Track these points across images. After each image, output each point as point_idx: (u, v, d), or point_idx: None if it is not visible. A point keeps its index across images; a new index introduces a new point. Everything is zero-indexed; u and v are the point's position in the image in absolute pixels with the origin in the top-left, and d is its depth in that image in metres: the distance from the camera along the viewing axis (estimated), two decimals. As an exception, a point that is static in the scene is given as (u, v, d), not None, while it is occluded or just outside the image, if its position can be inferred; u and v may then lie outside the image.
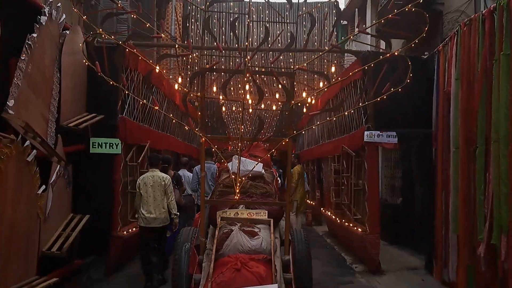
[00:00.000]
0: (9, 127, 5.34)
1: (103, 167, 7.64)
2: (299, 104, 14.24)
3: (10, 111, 5.10)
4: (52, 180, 6.25)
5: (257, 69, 10.43)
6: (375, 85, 4.50)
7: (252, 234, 4.43)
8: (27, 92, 5.58)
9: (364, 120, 8.37)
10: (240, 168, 5.66)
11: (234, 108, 14.36)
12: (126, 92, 5.49)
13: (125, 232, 7.84)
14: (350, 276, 7.97)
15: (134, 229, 8.29)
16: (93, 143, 7.43)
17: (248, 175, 5.25)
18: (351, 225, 8.95)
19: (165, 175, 7.01)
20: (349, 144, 9.11)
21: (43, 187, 5.92)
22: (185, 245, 5.17)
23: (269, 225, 4.68)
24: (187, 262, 5.02)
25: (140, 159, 8.59)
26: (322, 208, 12.42)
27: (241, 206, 5.01)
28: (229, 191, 5.34)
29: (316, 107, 12.77)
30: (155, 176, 6.87)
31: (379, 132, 8.04)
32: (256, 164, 5.47)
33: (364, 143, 8.14)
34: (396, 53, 4.56)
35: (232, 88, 12.78)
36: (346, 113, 8.06)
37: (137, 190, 6.86)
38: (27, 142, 5.40)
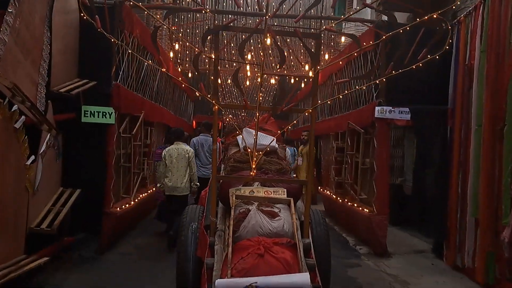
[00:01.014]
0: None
1: (95, 138, 7.08)
2: (296, 79, 13.72)
3: (-4, 71, 4.48)
4: (41, 151, 5.67)
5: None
6: (394, 56, 3.95)
7: (272, 215, 3.94)
8: (15, 50, 4.95)
9: (375, 95, 7.89)
10: (250, 142, 5.17)
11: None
12: (130, 51, 4.84)
13: (118, 209, 7.32)
14: (356, 259, 7.60)
15: (127, 205, 7.77)
16: (85, 111, 6.83)
17: (266, 149, 4.75)
18: (355, 205, 8.54)
19: (189, 148, 7.68)
20: (356, 121, 8.63)
21: (32, 157, 5.35)
22: (192, 225, 4.68)
23: (289, 205, 4.20)
24: (195, 243, 4.54)
25: (134, 130, 8.01)
26: (319, 187, 12.00)
27: (256, 183, 4.51)
28: (241, 166, 4.85)
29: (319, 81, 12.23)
30: (180, 148, 7.55)
31: (391, 108, 7.58)
32: (273, 139, 4.97)
33: (374, 120, 7.68)
34: (434, 16, 4.02)
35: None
36: (364, 87, 7.52)
37: (163, 160, 7.50)
38: (15, 107, 4.80)
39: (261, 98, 4.46)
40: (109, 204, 7.03)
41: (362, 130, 8.20)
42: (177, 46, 11.17)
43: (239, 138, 5.54)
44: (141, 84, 8.81)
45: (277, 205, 4.17)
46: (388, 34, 3.94)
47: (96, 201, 6.93)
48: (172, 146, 7.65)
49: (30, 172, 5.33)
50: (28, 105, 4.89)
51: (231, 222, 3.83)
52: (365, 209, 8.06)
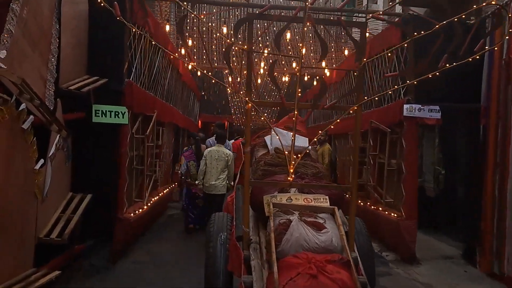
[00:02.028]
0: (-1, 85, 4.24)
1: (106, 139, 6.62)
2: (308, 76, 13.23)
3: (2, 65, 4.01)
4: (51, 153, 5.20)
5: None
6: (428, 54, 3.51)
7: (318, 227, 3.47)
8: (22, 42, 4.48)
9: (402, 92, 7.41)
10: (282, 143, 4.71)
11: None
12: (153, 42, 4.36)
13: (132, 214, 6.85)
14: (384, 266, 7.13)
15: (140, 210, 7.31)
16: (96, 111, 6.35)
17: (305, 151, 4.28)
18: (380, 209, 8.06)
19: (229, 152, 8.20)
20: (380, 119, 8.15)
21: (41, 161, 4.88)
22: (221, 236, 4.22)
23: (333, 215, 3.73)
24: (224, 256, 4.08)
25: (148, 131, 7.53)
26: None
27: (293, 189, 4.04)
28: (273, 170, 4.38)
29: (331, 78, 11.79)
30: (220, 151, 8.04)
31: (420, 106, 7.11)
32: (312, 142, 4.51)
33: (402, 118, 7.21)
34: (455, 19, 3.56)
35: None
36: (390, 92, 7.04)
37: (204, 160, 7.99)
38: (23, 105, 4.33)
39: (281, 95, 3.98)
40: (122, 209, 6.57)
41: (389, 130, 7.72)
42: (190, 43, 10.67)
43: (268, 138, 5.08)
44: (153, 82, 8.34)
45: (320, 215, 3.69)
46: (437, 26, 3.47)
47: (108, 206, 6.49)
48: (213, 148, 8.19)
49: (39, 177, 4.86)
50: (37, 103, 4.42)
51: (272, 235, 3.35)
52: (392, 213, 7.59)
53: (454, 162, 8.66)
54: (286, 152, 3.78)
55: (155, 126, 8.27)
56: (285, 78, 13.82)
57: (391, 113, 7.65)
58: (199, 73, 13.02)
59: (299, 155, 3.82)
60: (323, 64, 10.78)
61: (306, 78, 12.96)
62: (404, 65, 7.39)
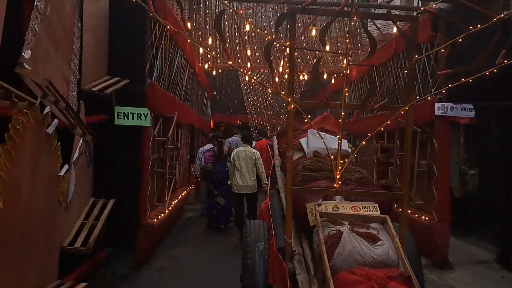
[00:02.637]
0: (23, 87, 3.99)
1: (128, 141, 6.38)
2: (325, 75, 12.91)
3: (26, 65, 3.77)
4: (74, 158, 4.97)
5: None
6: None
7: (372, 239, 3.19)
8: (46, 42, 4.24)
9: (433, 90, 7.10)
10: (319, 146, 4.44)
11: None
12: (198, 45, 4.11)
13: (155, 220, 6.60)
14: (416, 272, 6.82)
15: (162, 215, 7.07)
16: (118, 113, 6.12)
17: (353, 156, 4.00)
18: (409, 211, 7.74)
19: (255, 151, 8.29)
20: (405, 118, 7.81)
21: (65, 167, 4.64)
22: (259, 246, 3.95)
23: (385, 224, 3.45)
24: (264, 268, 3.81)
25: (169, 133, 7.28)
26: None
27: (338, 197, 3.77)
28: (314, 176, 4.10)
29: (351, 76, 11.47)
30: (247, 151, 8.15)
31: (452, 104, 6.81)
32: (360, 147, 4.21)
33: (434, 118, 6.90)
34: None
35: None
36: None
37: (232, 161, 8.10)
38: (47, 109, 4.09)
39: (326, 95, 3.71)
40: (145, 214, 6.32)
41: (419, 129, 7.41)
42: (210, 41, 10.42)
43: (303, 141, 4.81)
44: (172, 83, 8.09)
45: (371, 225, 3.42)
46: (495, 19, 3.18)
47: (129, 211, 6.25)
48: (240, 148, 8.30)
49: (63, 183, 4.63)
50: (62, 106, 4.19)
51: (323, 248, 3.08)
52: (422, 216, 7.28)
53: (486, 162, 8.32)
54: (331, 156, 3.50)
55: (173, 127, 8.02)
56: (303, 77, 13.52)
57: (421, 112, 7.33)
58: (214, 72, 12.75)
59: (345, 160, 3.54)
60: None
61: (325, 76, 12.64)
62: (435, 63, 7.08)
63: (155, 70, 6.73)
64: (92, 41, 5.74)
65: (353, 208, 3.57)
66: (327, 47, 11.97)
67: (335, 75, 13.32)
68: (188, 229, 9.20)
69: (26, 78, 3.81)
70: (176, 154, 8.88)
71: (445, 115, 6.83)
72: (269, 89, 3.60)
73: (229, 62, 3.56)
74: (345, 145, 4.61)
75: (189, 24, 9.01)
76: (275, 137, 6.44)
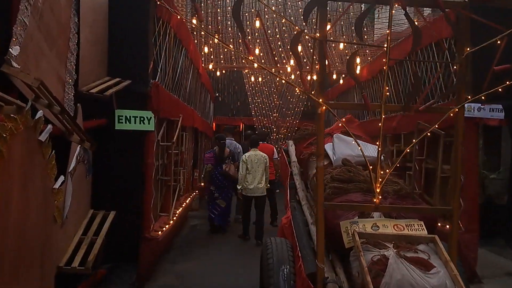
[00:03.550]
0: (11, 89, 3.47)
1: (130, 148, 5.88)
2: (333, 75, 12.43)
3: (14, 64, 3.26)
4: (71, 168, 4.45)
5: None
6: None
7: (424, 265, 2.69)
8: (38, 37, 3.74)
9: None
10: (348, 153, 3.93)
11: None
12: (217, 39, 3.60)
13: (159, 232, 6.08)
14: (442, 286, 6.31)
15: (166, 226, 6.55)
16: (119, 116, 5.61)
17: (395, 166, 3.50)
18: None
19: (264, 155, 8.54)
20: (429, 120, 7.30)
21: (61, 178, 4.13)
22: (283, 269, 3.44)
23: (437, 246, 2.95)
24: (289, 296, 3.30)
25: (174, 137, 6.77)
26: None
27: (377, 213, 3.26)
28: (345, 188, 3.59)
29: (361, 76, 10.96)
30: (258, 154, 8.44)
31: (479, 105, 6.29)
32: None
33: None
34: None
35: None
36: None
37: (244, 164, 8.27)
38: (39, 113, 3.57)
39: (364, 94, 3.22)
40: (149, 227, 5.82)
41: (443, 132, 6.90)
42: (216, 40, 9.89)
43: (328, 147, 4.30)
44: (177, 84, 7.58)
45: (419, 247, 2.91)
46: None
47: (131, 223, 5.75)
48: (251, 152, 8.46)
49: (59, 197, 4.11)
50: (57, 110, 3.67)
51: (368, 279, 2.56)
52: (447, 226, 6.76)
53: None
54: (370, 168, 2.99)
55: (179, 131, 7.51)
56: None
57: (445, 113, 6.82)
58: (218, 73, 12.24)
59: (387, 170, 3.03)
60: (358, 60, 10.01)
61: (334, 76, 12.15)
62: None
63: (159, 70, 6.22)
64: (91, 38, 5.23)
65: (395, 227, 3.07)
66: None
67: (343, 76, 12.82)
68: (193, 238, 8.71)
69: (15, 78, 3.31)
70: (180, 160, 8.37)
71: (472, 117, 6.33)
72: (297, 89, 3.14)
73: (250, 58, 3.06)
74: (374, 151, 4.10)
75: (194, 21, 8.48)
76: (290, 141, 5.92)
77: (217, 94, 17.37)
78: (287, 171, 5.23)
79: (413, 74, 3.28)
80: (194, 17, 7.90)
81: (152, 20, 5.92)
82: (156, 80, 5.99)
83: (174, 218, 7.14)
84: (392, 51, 7.56)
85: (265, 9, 10.49)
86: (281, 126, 13.39)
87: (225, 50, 12.44)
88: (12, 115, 3.10)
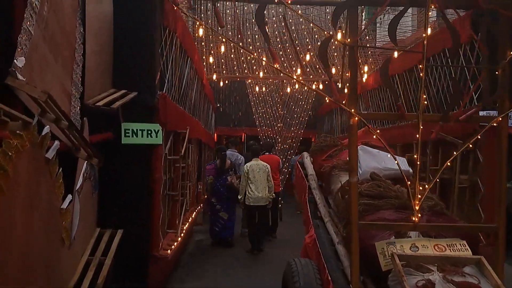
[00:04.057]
0: (15, 103, 3.22)
1: (137, 162, 5.62)
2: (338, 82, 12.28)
3: (20, 76, 3.02)
4: (78, 186, 4.19)
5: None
6: None
7: (475, 290, 2.43)
8: (43, 48, 3.50)
9: (475, 97, 6.37)
10: (374, 165, 3.69)
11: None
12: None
13: (168, 251, 5.81)
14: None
15: (175, 244, 6.28)
16: (125, 130, 5.37)
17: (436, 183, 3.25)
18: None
19: (266, 164, 8.70)
20: (446, 129, 7.07)
21: (68, 197, 3.87)
22: (311, 293, 3.17)
23: (484, 268, 2.69)
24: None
25: (182, 150, 6.52)
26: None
27: (414, 233, 3.01)
28: (377, 204, 3.34)
29: (366, 85, 10.77)
30: (260, 164, 8.62)
31: None
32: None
33: (478, 128, 6.15)
34: None
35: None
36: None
37: (246, 175, 8.44)
38: (46, 128, 3.32)
39: (399, 103, 2.99)
40: (157, 245, 5.56)
41: (461, 141, 6.66)
42: (223, 49, 9.71)
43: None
44: (182, 95, 7.35)
45: (466, 270, 2.66)
46: None
47: (139, 241, 5.48)
48: (252, 162, 8.64)
49: (66, 217, 3.85)
50: (65, 125, 3.43)
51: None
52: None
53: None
54: (409, 183, 2.74)
55: (186, 144, 7.26)
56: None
57: (460, 123, 6.58)
58: (221, 84, 12.01)
59: (426, 185, 2.79)
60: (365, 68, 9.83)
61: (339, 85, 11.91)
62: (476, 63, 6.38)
63: (166, 81, 5.99)
64: (96, 48, 4.99)
65: (436, 247, 2.83)
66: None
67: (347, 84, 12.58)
68: (200, 255, 8.44)
69: (20, 92, 3.06)
70: (186, 173, 8.11)
71: (492, 125, 6.09)
72: (327, 99, 2.94)
73: (275, 66, 2.83)
74: (405, 164, 3.86)
75: (201, 31, 8.27)
76: (305, 153, 5.67)
77: (218, 105, 17.16)
78: (304, 185, 4.98)
79: (451, 80, 3.10)
80: (201, 26, 7.69)
81: (158, 29, 5.69)
82: (164, 92, 5.75)
83: (182, 234, 6.86)
84: (401, 58, 7.22)
85: (273, 18, 10.32)
86: (286, 136, 13.14)
87: (227, 60, 12.26)
88: (17, 132, 2.85)
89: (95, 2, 4.89)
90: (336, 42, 2.77)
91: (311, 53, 11.12)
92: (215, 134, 17.16)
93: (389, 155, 3.83)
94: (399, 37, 13.64)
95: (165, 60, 5.99)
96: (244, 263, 7.98)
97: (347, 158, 4.21)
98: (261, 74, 10.06)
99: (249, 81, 13.07)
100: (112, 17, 5.45)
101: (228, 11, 10.88)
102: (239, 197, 8.62)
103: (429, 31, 8.44)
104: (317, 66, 12.10)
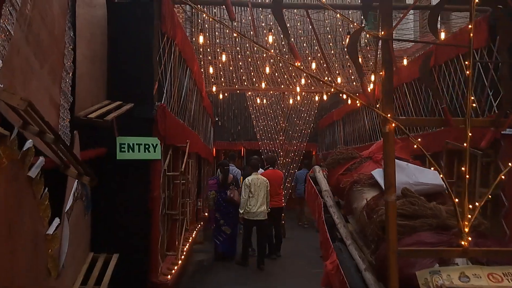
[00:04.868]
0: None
1: (133, 180, 5.16)
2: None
3: (-4, 82, 2.59)
4: (67, 208, 3.73)
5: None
6: None
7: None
8: (26, 51, 3.07)
9: (495, 105, 5.96)
10: (404, 180, 3.25)
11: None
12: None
13: (168, 276, 5.33)
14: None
15: (175, 268, 5.79)
16: (121, 144, 4.92)
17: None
18: (467, 249, 6.50)
19: (265, 178, 8.70)
20: (460, 139, 6.65)
21: (56, 221, 3.40)
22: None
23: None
24: None
25: (183, 166, 6.06)
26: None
27: (461, 259, 2.56)
28: (413, 225, 2.89)
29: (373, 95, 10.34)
30: (260, 178, 8.63)
31: None
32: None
33: (500, 137, 5.74)
34: None
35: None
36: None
37: (247, 188, 8.40)
38: (29, 143, 2.87)
39: (444, 107, 2.57)
40: (156, 270, 5.09)
41: (480, 152, 6.23)
42: (224, 58, 9.31)
43: (377, 173, 3.61)
44: (181, 107, 6.91)
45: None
46: None
47: (136, 266, 5.00)
48: (252, 176, 8.61)
49: (53, 244, 3.38)
50: (50, 138, 2.97)
51: None
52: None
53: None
54: (456, 202, 2.30)
55: (186, 159, 6.80)
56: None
57: (482, 130, 6.16)
58: (220, 96, 11.60)
59: (476, 204, 2.35)
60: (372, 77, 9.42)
61: (344, 97, 11.52)
62: (495, 72, 5.98)
63: (164, 92, 5.56)
64: (88, 54, 4.57)
65: (491, 277, 2.36)
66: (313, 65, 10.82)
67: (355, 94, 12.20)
68: (201, 277, 7.94)
69: (-3, 100, 2.62)
70: (186, 190, 7.65)
71: (514, 134, 5.67)
72: (357, 102, 2.59)
73: (296, 64, 2.40)
74: (437, 178, 3.42)
75: (201, 38, 7.88)
76: (317, 167, 5.22)
77: (217, 119, 16.76)
78: (318, 202, 4.52)
79: (501, 79, 2.77)
80: (201, 33, 7.31)
81: (156, 36, 5.28)
82: (162, 102, 5.31)
83: (182, 257, 6.37)
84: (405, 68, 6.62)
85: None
86: (288, 150, 12.72)
87: (226, 71, 11.88)
88: (-7, 147, 2.40)
89: (86, 4, 4.48)
90: (368, 36, 2.34)
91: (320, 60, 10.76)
92: (214, 149, 16.73)
93: (420, 168, 3.40)
94: (400, 47, 13.28)
95: (163, 69, 5.56)
96: (248, 284, 7.50)
97: (371, 172, 3.79)
98: (263, 85, 9.63)
99: (249, 93, 12.68)
100: (106, 21, 5.03)
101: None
102: (241, 211, 8.53)
103: (442, 35, 8.03)
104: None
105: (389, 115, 2.30)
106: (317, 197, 4.61)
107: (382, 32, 2.31)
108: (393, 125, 2.32)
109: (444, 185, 3.36)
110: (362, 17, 2.47)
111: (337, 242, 3.67)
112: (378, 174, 3.61)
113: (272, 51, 5.09)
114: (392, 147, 2.40)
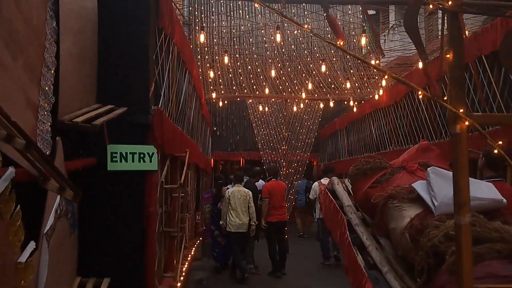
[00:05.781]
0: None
1: (126, 193, 4.56)
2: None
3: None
4: (47, 228, 3.13)
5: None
6: None
7: None
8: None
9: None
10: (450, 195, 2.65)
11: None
12: None
13: (166, 302, 4.72)
14: None
15: (174, 291, 5.18)
16: (112, 153, 4.33)
17: None
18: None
19: (247, 190, 8.65)
20: (479, 147, 6.10)
21: (31, 245, 2.80)
22: None
23: None
24: None
25: (182, 178, 5.47)
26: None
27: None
28: (477, 252, 2.31)
29: (379, 102, 9.90)
30: (241, 190, 8.56)
31: None
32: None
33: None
34: None
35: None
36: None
37: (227, 200, 8.37)
38: (-6, 150, 2.29)
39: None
40: (153, 295, 4.45)
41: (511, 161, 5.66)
42: (226, 60, 8.79)
43: (420, 187, 3.04)
44: (180, 113, 6.34)
45: None
46: None
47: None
48: (234, 188, 8.62)
49: (27, 273, 2.77)
50: (20, 144, 2.38)
51: None
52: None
53: None
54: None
55: (186, 170, 6.21)
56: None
57: (505, 137, 5.62)
58: (220, 104, 11.05)
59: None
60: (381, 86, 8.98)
61: (351, 103, 11.02)
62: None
63: (161, 95, 4.99)
64: (75, 51, 4.00)
65: None
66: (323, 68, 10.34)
67: (356, 103, 11.72)
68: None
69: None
70: (185, 203, 7.06)
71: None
72: (420, 93, 2.11)
73: (339, 42, 1.84)
74: (494, 191, 2.86)
75: (202, 37, 7.35)
76: (335, 179, 4.62)
77: (215, 128, 16.23)
78: (340, 220, 3.93)
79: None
80: (201, 32, 6.77)
81: (153, 34, 4.73)
82: (159, 106, 4.75)
83: (181, 278, 5.76)
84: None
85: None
86: (291, 160, 12.16)
87: (225, 79, 11.39)
88: None
89: (74, -5, 3.91)
90: (431, 6, 1.79)
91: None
92: (212, 159, 16.16)
93: (471, 179, 2.83)
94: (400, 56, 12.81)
95: (160, 69, 5.00)
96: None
97: (411, 185, 3.21)
98: (266, 91, 9.11)
99: (250, 101, 12.15)
100: (97, 15, 4.47)
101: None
102: (221, 222, 8.57)
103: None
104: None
105: (461, 111, 1.73)
106: (338, 214, 4.01)
107: (450, 2, 1.75)
108: (466, 123, 1.76)
109: (504, 200, 2.79)
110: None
111: (373, 271, 3.07)
112: (420, 187, 3.04)
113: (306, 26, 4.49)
114: (465, 153, 1.85)
